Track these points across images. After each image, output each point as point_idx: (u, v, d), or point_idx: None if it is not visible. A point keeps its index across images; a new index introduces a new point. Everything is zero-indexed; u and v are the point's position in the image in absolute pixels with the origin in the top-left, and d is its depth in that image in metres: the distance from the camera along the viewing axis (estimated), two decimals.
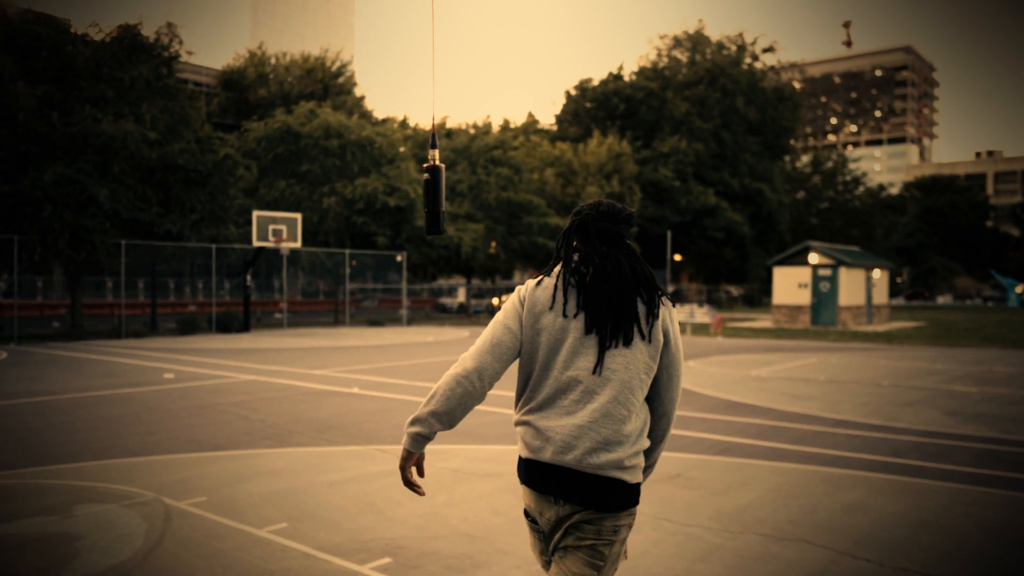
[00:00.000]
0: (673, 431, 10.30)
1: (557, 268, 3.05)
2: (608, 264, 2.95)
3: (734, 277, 74.85)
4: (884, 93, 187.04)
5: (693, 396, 13.91)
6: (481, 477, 8.03)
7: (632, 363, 2.93)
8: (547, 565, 3.12)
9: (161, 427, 10.81)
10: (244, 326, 33.26)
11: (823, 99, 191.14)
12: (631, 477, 2.92)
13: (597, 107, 68.45)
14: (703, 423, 11.18)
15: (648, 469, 3.17)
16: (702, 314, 31.27)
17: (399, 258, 41.75)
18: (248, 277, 33.77)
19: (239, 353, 22.91)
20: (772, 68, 72.50)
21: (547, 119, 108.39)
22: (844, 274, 36.12)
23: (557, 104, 79.52)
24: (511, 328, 3.00)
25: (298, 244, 33.35)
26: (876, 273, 40.21)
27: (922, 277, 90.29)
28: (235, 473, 8.17)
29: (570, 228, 3.08)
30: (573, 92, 70.11)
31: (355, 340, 28.81)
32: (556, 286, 2.98)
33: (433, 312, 59.28)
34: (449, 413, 2.97)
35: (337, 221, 39.92)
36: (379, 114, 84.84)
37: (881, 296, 41.61)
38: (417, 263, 44.84)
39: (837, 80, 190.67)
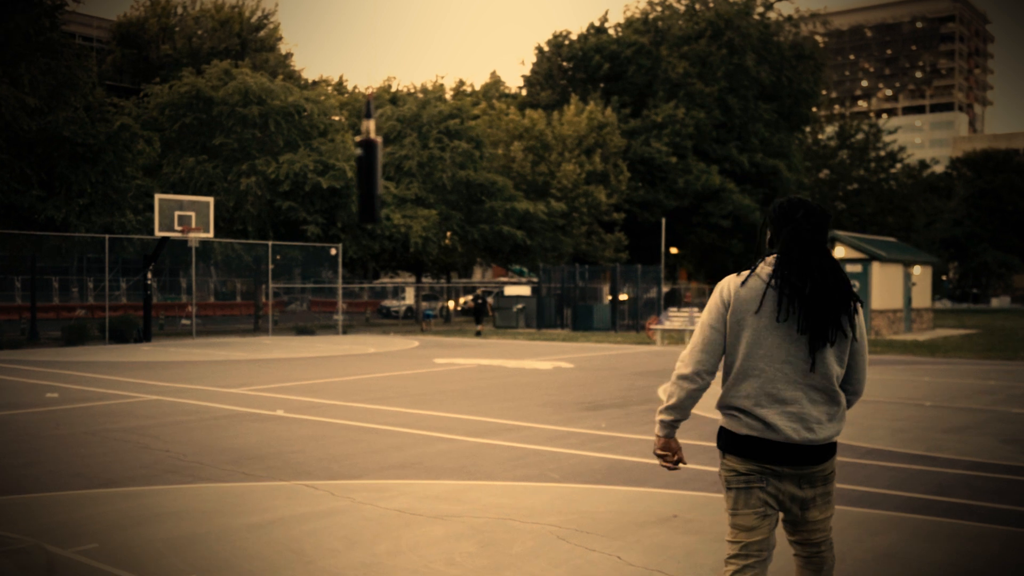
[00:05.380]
0: None
1: (761, 268, 4.25)
2: (826, 278, 4.11)
3: None
4: (926, 50, 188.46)
5: (694, 419, 13.90)
6: (433, 519, 8.02)
7: (829, 358, 4.17)
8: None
9: (42, 458, 10.75)
10: (144, 335, 33.11)
11: (852, 57, 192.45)
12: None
13: (575, 67, 68.40)
14: (704, 453, 11.02)
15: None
16: None
17: (333, 251, 41.68)
18: (149, 275, 33.61)
19: (138, 368, 22.79)
20: (789, 19, 72.56)
21: (514, 81, 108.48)
22: (877, 271, 36.29)
23: (526, 63, 79.49)
24: (716, 328, 4.29)
25: (210, 234, 33.24)
26: (917, 270, 40.46)
27: (972, 274, 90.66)
28: (133, 514, 8.13)
29: (785, 237, 4.19)
30: (546, 48, 69.97)
31: (280, 352, 28.76)
32: (766, 292, 4.17)
33: (375, 317, 59.28)
34: (681, 407, 4.46)
35: (258, 206, 39.79)
36: (309, 75, 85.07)
37: (923, 298, 41.88)
38: (356, 257, 44.80)
39: (869, 34, 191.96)
